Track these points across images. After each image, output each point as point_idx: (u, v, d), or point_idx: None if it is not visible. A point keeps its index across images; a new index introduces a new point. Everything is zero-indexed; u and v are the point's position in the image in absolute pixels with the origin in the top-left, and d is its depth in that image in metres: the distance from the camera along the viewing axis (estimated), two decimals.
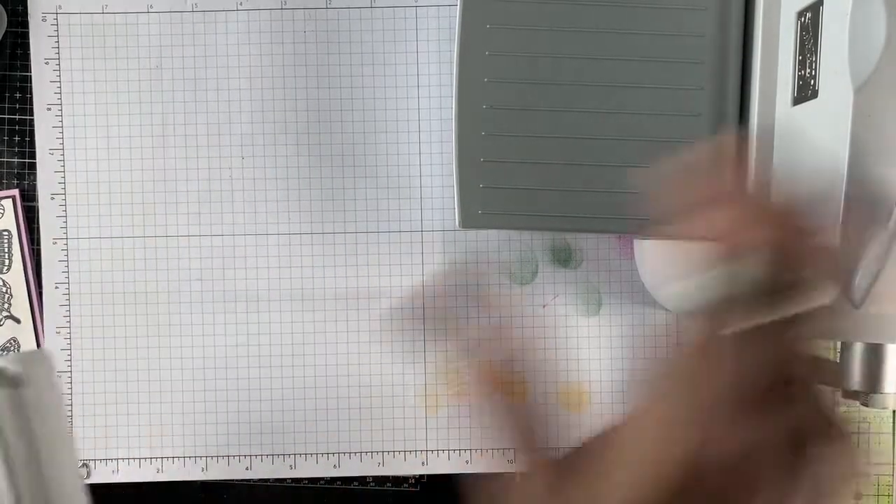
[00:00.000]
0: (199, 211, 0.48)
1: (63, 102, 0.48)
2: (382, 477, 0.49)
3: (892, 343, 0.35)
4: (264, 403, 0.48)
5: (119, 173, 0.48)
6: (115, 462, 0.49)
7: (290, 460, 0.48)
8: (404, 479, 0.49)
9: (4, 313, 0.49)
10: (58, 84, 0.48)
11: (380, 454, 0.48)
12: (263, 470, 0.48)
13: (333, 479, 0.49)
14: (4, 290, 0.49)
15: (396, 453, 0.48)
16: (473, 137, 0.41)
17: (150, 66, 0.48)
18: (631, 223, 0.41)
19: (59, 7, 0.48)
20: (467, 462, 0.48)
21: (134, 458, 0.49)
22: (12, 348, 0.49)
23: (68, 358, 0.48)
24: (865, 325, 0.33)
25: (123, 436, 0.49)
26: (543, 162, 0.41)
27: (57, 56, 0.48)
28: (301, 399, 0.48)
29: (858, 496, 0.48)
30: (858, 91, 0.31)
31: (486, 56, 0.41)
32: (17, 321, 0.49)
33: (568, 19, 0.40)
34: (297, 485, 0.49)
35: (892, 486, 0.48)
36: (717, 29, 0.40)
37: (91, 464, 0.49)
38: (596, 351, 0.48)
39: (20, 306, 0.49)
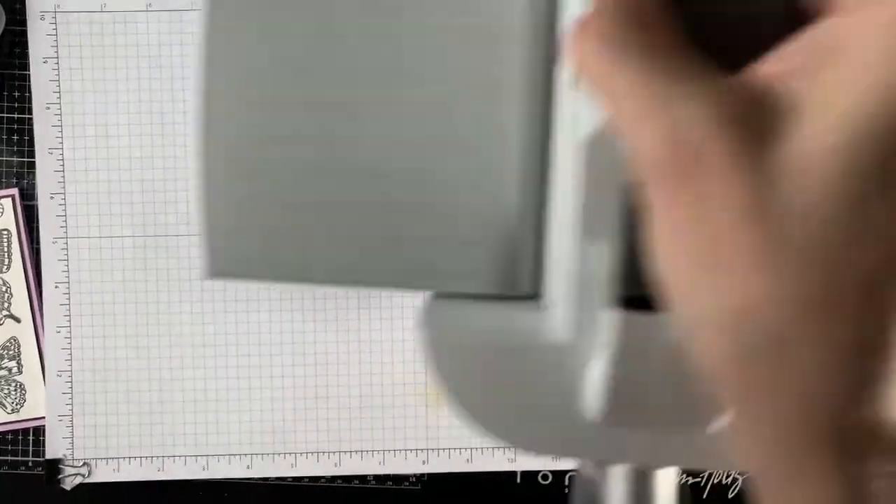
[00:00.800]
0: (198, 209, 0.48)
1: (62, 101, 0.48)
2: (383, 475, 0.49)
3: (622, 462, 0.27)
4: (265, 402, 0.48)
5: (118, 172, 0.48)
6: (115, 461, 0.49)
7: (290, 459, 0.48)
8: (405, 477, 0.49)
9: (4, 312, 0.49)
10: (56, 83, 0.48)
11: (381, 453, 0.48)
12: (264, 468, 0.48)
13: (334, 478, 0.49)
14: (4, 289, 0.49)
15: (397, 452, 0.48)
16: (233, 175, 0.31)
17: (149, 65, 0.48)
18: (414, 278, 0.31)
19: (58, 6, 0.48)
20: (468, 461, 0.48)
21: (135, 457, 0.49)
22: (12, 347, 0.49)
23: (69, 357, 0.48)
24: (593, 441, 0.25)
25: (124, 435, 0.49)
26: (320, 205, 0.31)
27: (56, 55, 0.48)
28: (302, 398, 0.48)
29: None
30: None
31: (248, 69, 0.31)
32: (17, 320, 0.49)
33: (349, 42, 0.30)
34: (298, 483, 0.49)
35: None
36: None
37: (92, 463, 0.49)
38: None
39: (20, 305, 0.49)
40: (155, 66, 0.48)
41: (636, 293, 0.22)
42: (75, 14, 0.48)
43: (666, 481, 0.27)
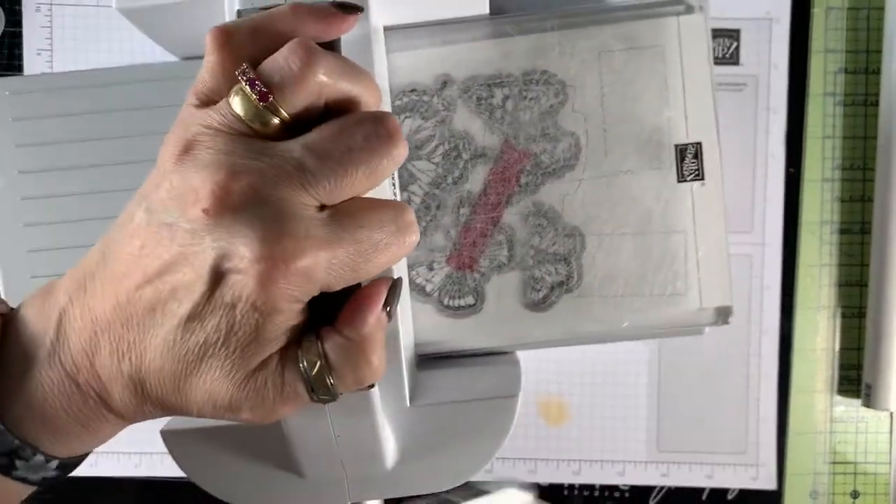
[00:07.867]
0: None
1: None
2: None
3: None
4: None
5: None
6: (93, 455, 0.48)
7: None
8: None
9: None
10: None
11: None
12: None
13: None
14: None
15: None
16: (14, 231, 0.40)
17: (143, 60, 0.48)
18: None
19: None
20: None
21: (112, 452, 0.48)
22: None
23: None
24: None
25: None
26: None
27: (50, 48, 0.48)
28: None
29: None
30: None
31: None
32: None
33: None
34: None
35: (888, 485, 0.47)
36: None
37: None
38: (579, 365, 0.47)
39: None
40: (149, 59, 0.48)
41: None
42: (71, 7, 0.48)
43: None
